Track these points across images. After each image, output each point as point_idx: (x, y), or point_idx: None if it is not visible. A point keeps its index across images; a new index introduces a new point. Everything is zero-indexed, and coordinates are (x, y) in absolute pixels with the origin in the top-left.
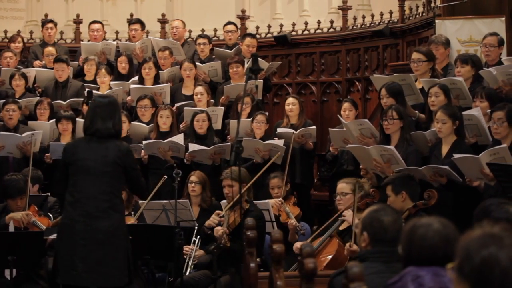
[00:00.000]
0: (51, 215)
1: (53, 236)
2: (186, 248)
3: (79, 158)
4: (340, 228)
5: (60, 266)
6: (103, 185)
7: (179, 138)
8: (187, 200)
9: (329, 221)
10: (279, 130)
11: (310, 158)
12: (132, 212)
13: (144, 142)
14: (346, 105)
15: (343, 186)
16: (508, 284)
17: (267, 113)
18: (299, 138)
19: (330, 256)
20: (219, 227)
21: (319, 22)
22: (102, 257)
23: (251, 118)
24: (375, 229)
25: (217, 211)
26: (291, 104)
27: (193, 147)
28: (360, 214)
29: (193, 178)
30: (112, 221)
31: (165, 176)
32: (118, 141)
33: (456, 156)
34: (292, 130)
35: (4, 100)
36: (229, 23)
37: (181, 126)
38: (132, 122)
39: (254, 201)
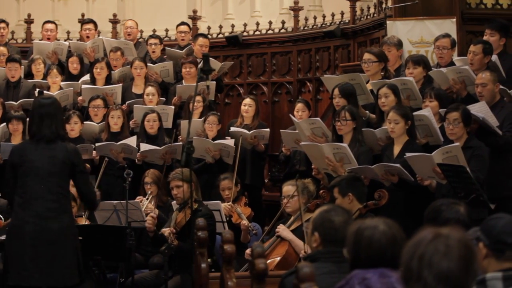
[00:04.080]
0: (1, 216)
1: (3, 237)
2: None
3: (28, 159)
4: (290, 228)
5: (10, 267)
6: (52, 185)
7: (131, 141)
8: (138, 201)
9: (272, 222)
10: (232, 129)
11: (261, 159)
12: (83, 213)
13: (96, 144)
14: (299, 105)
15: (289, 188)
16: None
17: (219, 114)
18: (252, 139)
19: (279, 258)
20: (165, 229)
21: (270, 22)
22: (52, 257)
23: (203, 119)
24: (326, 229)
25: (151, 214)
26: (248, 105)
27: (144, 147)
28: (311, 215)
29: (147, 179)
30: (62, 221)
31: (107, 159)
32: (65, 142)
33: (408, 154)
34: (245, 131)
35: None
36: (182, 23)
37: (131, 123)
38: (85, 122)
39: (205, 202)
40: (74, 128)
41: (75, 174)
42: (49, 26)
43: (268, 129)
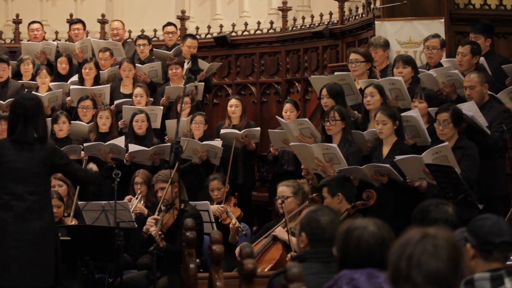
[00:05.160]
0: None
1: None
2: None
3: (7, 160)
4: (284, 229)
5: None
6: (32, 186)
7: (120, 141)
8: (127, 201)
9: (263, 231)
10: (222, 131)
11: (252, 159)
12: (71, 213)
13: (85, 144)
14: (287, 105)
15: (283, 189)
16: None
17: (205, 114)
18: (243, 139)
19: (273, 264)
20: (153, 228)
21: (259, 23)
22: (34, 258)
23: (189, 119)
24: (313, 229)
25: (154, 216)
26: (234, 106)
27: (132, 147)
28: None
29: (137, 179)
30: (43, 222)
31: (86, 158)
32: (44, 142)
33: (398, 157)
34: (236, 131)
35: None
36: (169, 24)
37: (119, 123)
38: (72, 122)
39: (194, 202)
40: (62, 128)
41: (61, 169)
42: (35, 26)
43: (258, 128)
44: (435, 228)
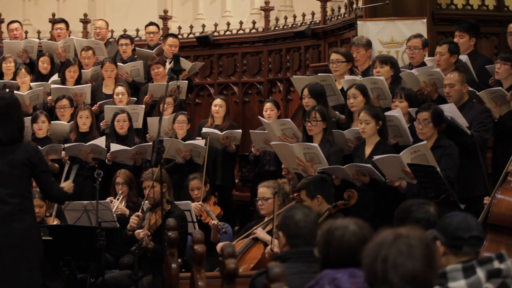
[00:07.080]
0: None
1: None
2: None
3: None
4: (265, 230)
5: None
6: (12, 188)
7: (101, 141)
8: (109, 201)
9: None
10: (204, 129)
11: (232, 160)
12: (53, 213)
13: (65, 144)
14: (268, 105)
15: (264, 190)
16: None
17: (187, 113)
18: (223, 140)
19: (255, 262)
20: (140, 230)
21: (241, 22)
22: (16, 260)
23: (169, 117)
24: (288, 226)
25: (136, 213)
26: (218, 106)
27: (114, 147)
28: None
29: (118, 179)
30: (25, 224)
31: (69, 162)
32: (25, 142)
33: (376, 157)
34: (217, 131)
35: None
36: (151, 23)
37: (101, 124)
38: (52, 122)
39: (176, 202)
40: (41, 127)
41: (37, 174)
42: (14, 26)
43: (240, 130)
44: (406, 228)
